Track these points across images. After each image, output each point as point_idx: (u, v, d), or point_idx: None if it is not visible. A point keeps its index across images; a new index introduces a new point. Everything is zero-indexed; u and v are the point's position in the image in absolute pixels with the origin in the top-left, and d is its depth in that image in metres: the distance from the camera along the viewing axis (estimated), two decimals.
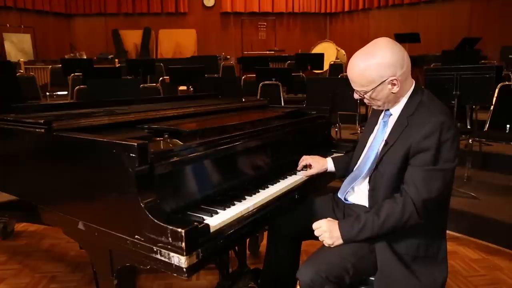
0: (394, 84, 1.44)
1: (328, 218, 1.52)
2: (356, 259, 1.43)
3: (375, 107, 1.58)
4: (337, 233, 1.46)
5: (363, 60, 1.45)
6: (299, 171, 1.93)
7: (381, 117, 1.61)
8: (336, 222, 1.50)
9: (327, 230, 1.47)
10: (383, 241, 1.45)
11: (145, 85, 5.50)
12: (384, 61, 1.41)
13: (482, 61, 6.63)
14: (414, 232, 1.45)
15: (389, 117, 1.56)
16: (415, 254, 1.46)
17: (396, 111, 1.53)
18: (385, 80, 1.43)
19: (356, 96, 1.55)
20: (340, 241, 1.46)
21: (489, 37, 7.51)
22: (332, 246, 1.47)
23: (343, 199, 1.71)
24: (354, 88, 1.52)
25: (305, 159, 1.93)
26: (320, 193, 1.89)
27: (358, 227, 1.43)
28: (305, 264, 1.44)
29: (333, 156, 1.96)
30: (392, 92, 1.46)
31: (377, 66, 1.42)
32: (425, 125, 1.38)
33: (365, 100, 1.55)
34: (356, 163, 1.68)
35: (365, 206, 1.58)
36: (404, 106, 1.50)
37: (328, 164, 1.89)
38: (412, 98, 1.49)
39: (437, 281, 1.46)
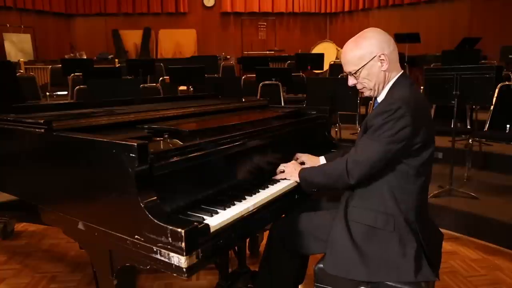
0: (383, 60, 1.52)
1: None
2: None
3: (367, 93, 1.63)
4: (296, 171, 1.71)
5: (354, 42, 1.59)
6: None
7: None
8: (302, 166, 1.77)
9: (289, 166, 1.77)
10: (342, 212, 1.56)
11: (145, 85, 5.50)
12: (373, 40, 1.54)
13: (482, 61, 6.63)
14: (375, 203, 1.51)
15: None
16: (372, 224, 1.48)
17: (381, 99, 1.59)
18: (374, 56, 1.53)
19: (350, 81, 1.63)
20: (296, 176, 1.70)
21: (489, 37, 7.51)
22: (288, 178, 1.72)
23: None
24: (347, 70, 1.61)
25: (299, 156, 1.93)
26: (321, 194, 1.90)
27: (313, 170, 1.68)
28: (285, 220, 1.67)
29: (326, 155, 1.96)
30: (382, 70, 1.54)
31: (366, 44, 1.54)
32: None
33: (358, 86, 1.61)
34: None
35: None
36: (386, 94, 1.57)
37: (321, 162, 1.89)
38: (395, 86, 1.55)
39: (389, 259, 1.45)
